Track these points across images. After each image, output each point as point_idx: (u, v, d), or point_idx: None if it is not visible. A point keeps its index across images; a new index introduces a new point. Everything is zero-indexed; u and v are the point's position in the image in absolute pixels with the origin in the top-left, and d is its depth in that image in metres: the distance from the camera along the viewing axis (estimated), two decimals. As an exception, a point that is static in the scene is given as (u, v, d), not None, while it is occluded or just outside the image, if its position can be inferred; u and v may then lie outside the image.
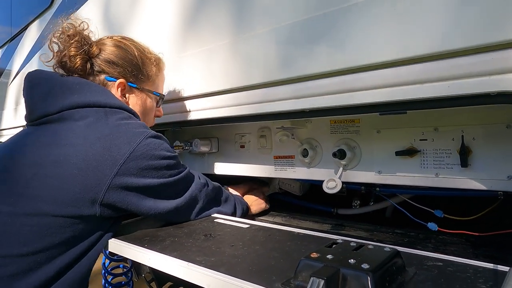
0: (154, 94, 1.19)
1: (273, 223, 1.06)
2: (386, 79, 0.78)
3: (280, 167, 1.25)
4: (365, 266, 0.52)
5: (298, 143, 1.18)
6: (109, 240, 0.92)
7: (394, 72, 0.77)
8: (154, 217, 0.99)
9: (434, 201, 1.19)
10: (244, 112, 1.06)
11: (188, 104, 1.27)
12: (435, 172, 0.92)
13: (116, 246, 0.89)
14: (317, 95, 0.89)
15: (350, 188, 1.18)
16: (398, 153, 0.96)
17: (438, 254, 0.69)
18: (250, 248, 0.77)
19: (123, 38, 1.15)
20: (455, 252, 0.99)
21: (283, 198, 1.59)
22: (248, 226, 0.97)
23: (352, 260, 0.55)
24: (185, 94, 1.26)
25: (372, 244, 0.63)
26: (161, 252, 0.77)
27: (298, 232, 0.89)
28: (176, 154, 1.04)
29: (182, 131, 1.60)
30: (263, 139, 1.28)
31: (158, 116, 1.27)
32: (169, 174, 0.98)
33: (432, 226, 1.02)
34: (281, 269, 0.64)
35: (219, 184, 1.17)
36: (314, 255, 0.58)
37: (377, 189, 1.11)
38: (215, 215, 1.09)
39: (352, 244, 0.64)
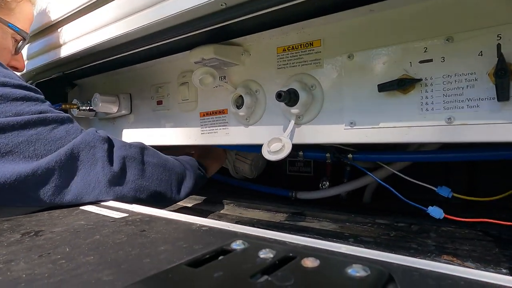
0: (10, 26, 0.76)
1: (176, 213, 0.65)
2: None
3: (208, 128, 0.83)
4: None
5: (231, 88, 0.76)
6: None
7: None
8: None
9: (435, 172, 0.81)
10: (129, 27, 0.64)
11: (60, 35, 0.83)
12: (446, 115, 0.52)
13: None
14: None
15: (308, 157, 0.78)
16: (382, 88, 0.56)
17: (443, 265, 0.30)
18: (72, 261, 0.36)
19: None
20: (473, 255, 0.61)
21: (227, 181, 1.18)
22: (123, 215, 0.55)
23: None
24: (53, 16, 0.82)
25: (319, 254, 0.22)
26: None
27: (200, 226, 0.47)
28: (34, 87, 0.63)
29: (85, 88, 1.15)
30: (184, 88, 0.86)
31: (16, 68, 0.83)
32: (11, 110, 0.56)
33: (436, 212, 0.63)
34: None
35: (143, 143, 0.73)
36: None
37: (350, 155, 0.71)
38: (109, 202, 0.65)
39: (264, 254, 0.23)
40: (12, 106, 0.56)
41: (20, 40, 0.80)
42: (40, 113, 0.59)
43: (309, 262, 0.22)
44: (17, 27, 0.77)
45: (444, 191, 0.64)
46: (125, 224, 0.50)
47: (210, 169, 0.90)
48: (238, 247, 0.25)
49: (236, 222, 0.90)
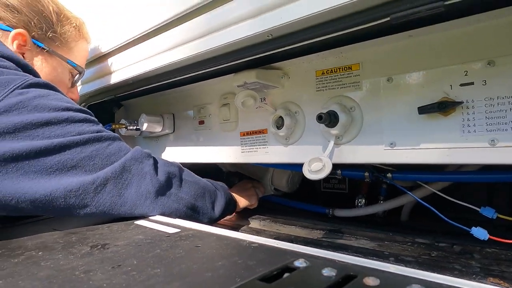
0: (68, 63, 0.86)
1: (227, 228, 0.69)
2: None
3: (248, 147, 0.88)
4: None
5: (271, 110, 0.80)
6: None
7: None
8: (57, 210, 0.62)
9: (478, 192, 0.80)
10: (181, 55, 0.70)
11: (112, 62, 0.91)
12: (489, 138, 0.53)
13: None
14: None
15: (347, 176, 0.80)
16: (423, 110, 0.58)
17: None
18: (142, 273, 0.40)
19: None
20: (521, 277, 0.60)
21: (264, 197, 1.21)
22: (176, 231, 0.59)
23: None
24: (104, 48, 0.91)
25: (380, 269, 0.25)
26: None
27: (250, 243, 0.51)
28: (89, 111, 0.72)
29: (130, 108, 1.24)
30: (225, 110, 0.91)
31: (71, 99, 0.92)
32: (75, 130, 0.64)
33: (480, 232, 0.63)
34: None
35: (180, 164, 0.80)
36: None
37: (389, 175, 0.73)
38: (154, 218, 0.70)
39: (327, 272, 0.26)
40: (76, 127, 0.64)
41: (76, 74, 0.89)
42: (97, 132, 0.67)
43: (371, 281, 0.24)
44: (75, 63, 0.87)
45: (489, 212, 0.64)
46: (180, 239, 0.54)
47: (239, 203, 0.96)
48: (301, 265, 0.28)
49: (275, 238, 0.92)
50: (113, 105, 1.24)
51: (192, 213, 0.74)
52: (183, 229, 0.60)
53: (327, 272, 0.26)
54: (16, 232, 0.66)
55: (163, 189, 0.70)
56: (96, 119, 0.71)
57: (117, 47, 0.89)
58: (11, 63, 0.68)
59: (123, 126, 1.08)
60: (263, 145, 0.84)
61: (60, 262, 0.46)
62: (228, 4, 0.58)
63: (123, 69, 0.87)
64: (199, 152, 1.01)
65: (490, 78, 0.53)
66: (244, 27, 0.56)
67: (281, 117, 0.77)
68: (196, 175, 0.81)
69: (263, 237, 0.96)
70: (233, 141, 0.91)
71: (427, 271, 0.64)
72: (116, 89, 0.98)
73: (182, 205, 0.72)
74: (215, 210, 0.80)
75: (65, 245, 0.54)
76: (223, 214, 0.82)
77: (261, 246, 0.49)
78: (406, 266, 0.69)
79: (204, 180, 0.82)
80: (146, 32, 0.76)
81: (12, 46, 0.77)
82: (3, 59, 0.67)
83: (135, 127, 1.09)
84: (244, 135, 0.89)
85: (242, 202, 0.98)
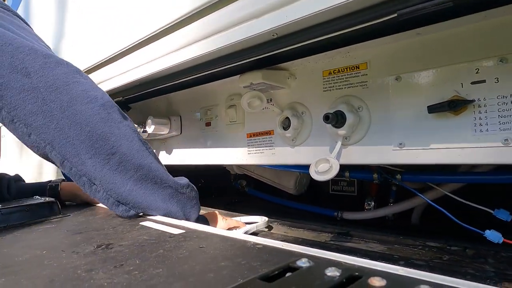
0: None
1: (229, 231, 0.69)
2: None
3: (255, 148, 0.87)
4: None
5: (278, 111, 0.80)
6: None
7: None
8: None
9: (490, 193, 0.77)
10: (187, 56, 0.69)
11: (119, 65, 0.91)
12: (503, 137, 0.51)
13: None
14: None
15: (355, 177, 0.78)
16: (432, 109, 0.56)
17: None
18: (144, 273, 0.39)
19: None
20: (537, 283, 0.57)
21: (271, 199, 1.20)
22: (181, 232, 0.58)
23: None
24: (110, 51, 0.91)
25: (385, 271, 0.24)
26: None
27: (255, 244, 0.50)
28: None
29: (138, 111, 1.24)
30: (232, 111, 0.91)
31: None
32: None
33: (494, 235, 0.61)
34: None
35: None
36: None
37: (398, 176, 0.71)
38: (152, 217, 0.70)
39: (330, 272, 0.25)
40: None
41: None
42: None
43: (376, 281, 0.23)
44: None
45: (503, 214, 0.62)
46: (184, 240, 0.53)
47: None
48: (304, 265, 0.27)
49: (283, 241, 0.91)
50: (122, 108, 1.25)
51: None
52: (188, 230, 0.59)
53: (330, 272, 0.25)
54: (24, 231, 0.66)
55: None
56: None
57: (123, 50, 0.89)
58: None
59: (131, 128, 1.08)
60: (270, 146, 0.83)
61: (63, 261, 0.45)
62: (232, 4, 0.58)
63: (131, 71, 0.88)
64: (206, 153, 1.00)
65: (503, 75, 0.51)
66: (249, 27, 0.56)
67: (287, 118, 0.76)
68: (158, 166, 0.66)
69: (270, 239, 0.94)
70: (239, 143, 0.91)
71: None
72: (124, 91, 0.98)
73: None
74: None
75: (69, 245, 0.54)
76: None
77: (266, 247, 0.48)
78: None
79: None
80: (152, 34, 0.76)
81: None
82: None
83: (142, 130, 1.10)
84: (250, 136, 0.88)
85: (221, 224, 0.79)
